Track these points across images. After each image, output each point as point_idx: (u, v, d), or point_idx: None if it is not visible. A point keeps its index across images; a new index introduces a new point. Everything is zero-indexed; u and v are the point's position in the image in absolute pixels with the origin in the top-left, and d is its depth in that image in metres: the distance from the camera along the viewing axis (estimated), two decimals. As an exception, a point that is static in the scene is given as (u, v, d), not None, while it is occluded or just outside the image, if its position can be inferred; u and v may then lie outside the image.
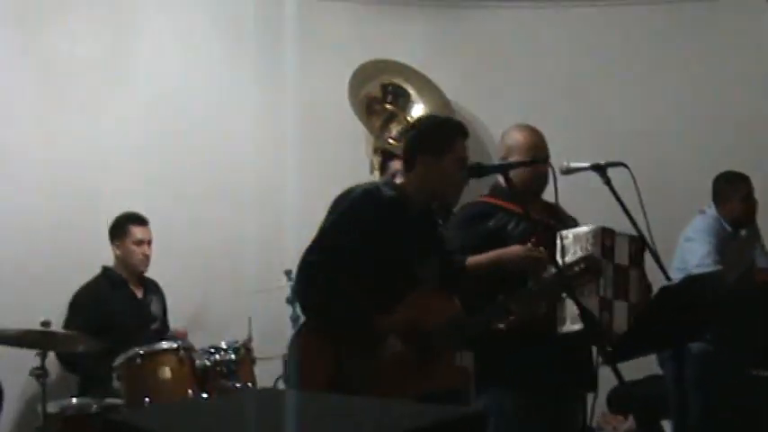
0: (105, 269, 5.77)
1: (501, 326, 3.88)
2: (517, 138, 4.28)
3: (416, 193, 3.87)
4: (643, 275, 4.10)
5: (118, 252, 5.75)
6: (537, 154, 4.15)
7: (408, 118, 6.52)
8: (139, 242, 5.72)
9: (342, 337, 3.68)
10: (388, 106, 6.57)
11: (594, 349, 3.93)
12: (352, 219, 3.77)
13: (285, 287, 5.38)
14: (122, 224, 5.73)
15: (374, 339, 3.69)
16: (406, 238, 3.84)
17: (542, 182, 4.19)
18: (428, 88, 6.58)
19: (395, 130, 6.51)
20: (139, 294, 5.81)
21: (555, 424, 4.15)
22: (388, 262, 3.79)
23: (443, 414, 1.95)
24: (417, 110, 6.55)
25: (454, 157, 3.85)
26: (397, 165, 5.89)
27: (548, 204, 4.19)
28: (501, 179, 4.15)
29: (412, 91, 6.57)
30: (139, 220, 5.74)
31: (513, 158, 4.14)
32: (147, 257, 5.75)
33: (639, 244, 4.03)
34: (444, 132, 3.93)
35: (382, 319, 3.70)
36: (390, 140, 6.38)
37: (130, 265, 5.75)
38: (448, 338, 3.77)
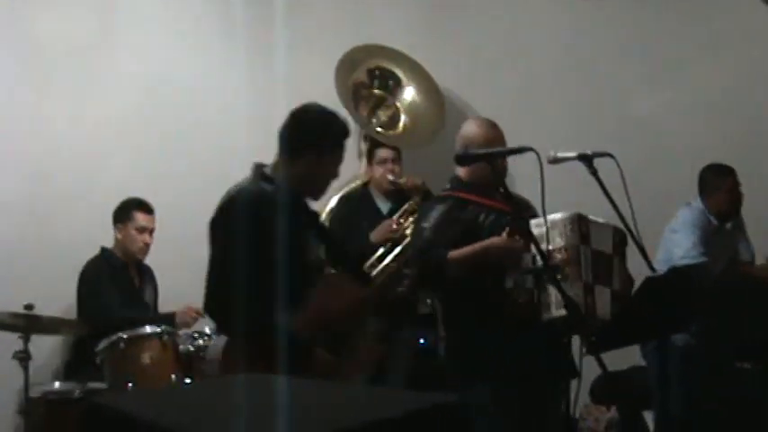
0: (104, 250, 5.71)
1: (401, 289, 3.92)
2: (475, 131, 4.28)
3: (295, 184, 3.81)
4: (624, 266, 4.13)
5: (119, 235, 5.70)
6: (495, 147, 4.16)
7: (397, 103, 6.49)
8: (142, 229, 5.67)
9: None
10: (375, 91, 6.48)
11: (578, 338, 3.94)
12: (253, 227, 3.60)
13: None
14: (128, 209, 5.69)
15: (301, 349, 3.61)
16: (298, 230, 3.78)
17: (504, 175, 4.21)
18: (418, 72, 6.51)
19: (384, 115, 6.45)
20: (137, 282, 5.78)
21: (537, 413, 4.18)
22: (291, 259, 3.65)
23: (435, 401, 1.94)
24: (407, 93, 6.48)
25: (337, 158, 3.86)
26: (383, 153, 5.90)
27: (510, 194, 4.17)
28: (461, 173, 4.18)
29: (401, 75, 6.49)
30: (146, 208, 5.69)
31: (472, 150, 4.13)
32: (146, 246, 5.71)
33: (622, 235, 4.07)
34: (335, 133, 3.87)
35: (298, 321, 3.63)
36: (378, 129, 6.35)
37: (129, 251, 5.71)
38: (359, 322, 3.88)
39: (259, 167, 3.87)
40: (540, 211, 3.90)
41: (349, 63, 6.30)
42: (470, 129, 4.31)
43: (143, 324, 5.08)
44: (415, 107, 6.48)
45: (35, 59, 6.08)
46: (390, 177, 5.80)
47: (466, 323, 4.24)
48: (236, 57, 6.43)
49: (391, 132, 6.37)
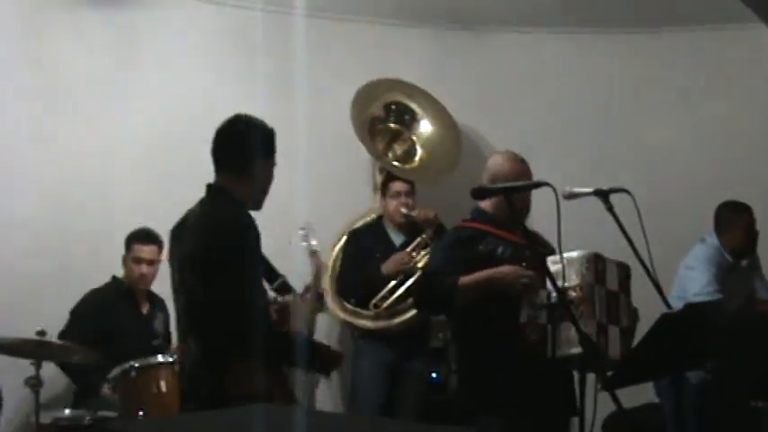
0: (114, 279, 5.75)
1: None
2: (502, 164, 4.29)
3: (248, 199, 3.78)
4: (629, 300, 4.12)
5: (125, 266, 5.73)
6: (523, 177, 4.18)
7: (413, 137, 6.48)
8: (138, 260, 5.64)
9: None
10: (391, 125, 6.50)
11: (593, 375, 3.92)
12: (234, 250, 3.63)
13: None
14: (129, 240, 5.70)
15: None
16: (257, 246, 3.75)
17: (526, 210, 4.22)
18: (434, 106, 6.52)
19: (399, 149, 6.47)
20: (145, 310, 5.76)
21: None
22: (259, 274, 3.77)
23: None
24: (423, 127, 6.50)
25: (273, 162, 3.85)
26: (397, 186, 5.90)
27: (528, 231, 4.21)
28: (483, 204, 4.18)
29: (417, 109, 6.50)
30: (144, 239, 5.65)
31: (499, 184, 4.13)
32: (143, 276, 5.67)
33: (627, 270, 4.07)
34: (270, 137, 3.86)
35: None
36: (395, 162, 6.35)
37: (130, 282, 5.73)
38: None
39: (218, 188, 3.80)
40: (557, 247, 3.90)
41: (365, 97, 6.32)
42: (497, 162, 4.32)
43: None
44: (431, 140, 6.49)
45: (56, 85, 6.11)
46: (404, 210, 5.80)
47: (477, 355, 4.24)
48: (255, 91, 6.44)
49: (407, 166, 6.37)
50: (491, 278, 4.05)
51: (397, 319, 5.70)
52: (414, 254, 5.72)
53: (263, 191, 3.84)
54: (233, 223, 3.67)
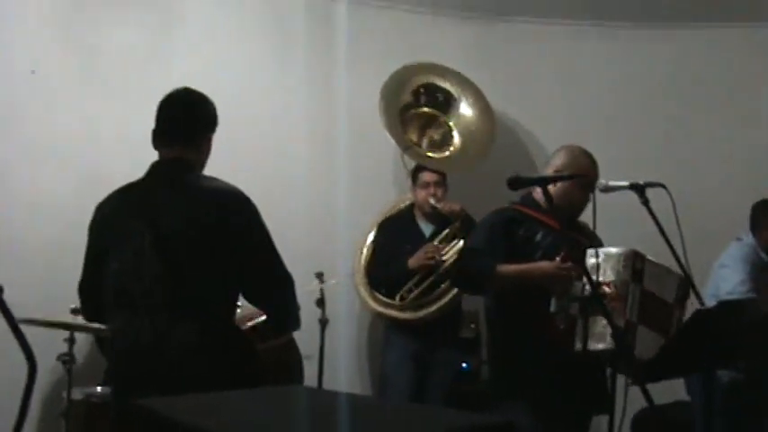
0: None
1: None
2: (579, 161, 4.29)
3: (201, 168, 3.78)
4: (682, 317, 4.09)
5: None
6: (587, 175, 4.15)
7: (449, 121, 6.43)
8: None
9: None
10: (424, 109, 6.44)
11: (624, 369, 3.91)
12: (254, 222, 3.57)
13: (315, 290, 5.38)
14: None
15: None
16: None
17: (582, 206, 4.21)
18: (469, 87, 6.43)
19: (436, 134, 6.44)
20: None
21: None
22: None
23: (476, 420, 1.93)
24: (460, 108, 6.42)
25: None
26: (426, 176, 5.87)
27: (577, 223, 4.23)
28: (538, 192, 4.17)
29: (451, 89, 6.42)
30: None
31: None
32: None
33: (687, 287, 4.01)
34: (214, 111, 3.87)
35: None
36: (429, 153, 6.32)
37: None
38: None
39: (178, 160, 3.74)
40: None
41: (394, 86, 6.24)
42: (574, 154, 4.33)
43: None
44: (468, 123, 6.41)
45: (93, 65, 6.13)
46: (431, 201, 5.78)
47: (507, 342, 4.25)
48: (293, 73, 6.47)
49: (443, 153, 6.34)
50: (530, 273, 4.06)
51: (424, 311, 5.70)
52: (440, 246, 5.71)
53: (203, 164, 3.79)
54: (240, 194, 3.62)
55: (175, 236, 3.47)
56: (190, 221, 3.47)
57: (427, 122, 6.44)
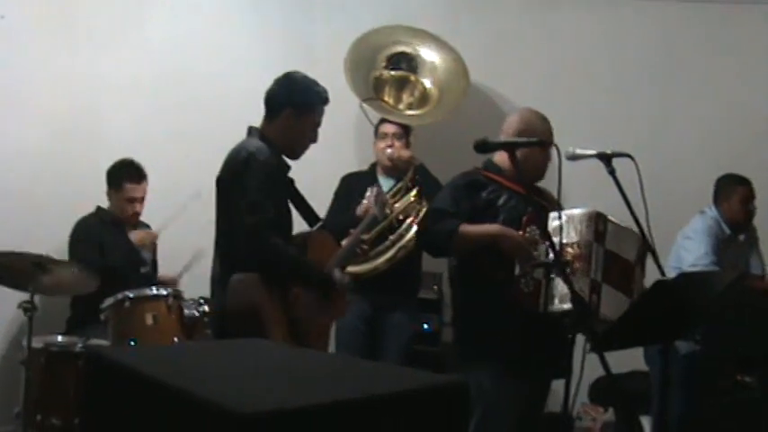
0: (99, 209, 5.73)
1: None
2: (534, 122, 4.31)
3: (279, 140, 4.18)
4: (643, 276, 4.14)
5: (110, 201, 5.71)
6: (548, 140, 4.18)
7: (423, 79, 6.34)
8: (131, 200, 5.66)
9: (284, 285, 3.99)
10: (392, 73, 6.35)
11: (582, 337, 3.94)
12: (264, 177, 3.98)
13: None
14: (118, 177, 5.65)
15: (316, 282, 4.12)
16: (283, 185, 4.25)
17: (544, 169, 4.26)
18: (436, 43, 6.36)
19: (409, 97, 6.36)
20: (132, 237, 5.78)
21: (534, 403, 4.23)
22: (284, 210, 4.20)
23: (431, 380, 1.95)
24: (429, 58, 6.34)
25: (313, 120, 4.23)
26: (384, 128, 5.75)
27: (536, 187, 4.26)
28: (500, 157, 4.20)
29: (421, 48, 6.35)
30: (135, 177, 5.65)
31: (524, 138, 4.15)
32: (137, 215, 5.72)
33: (645, 246, 4.06)
34: (311, 95, 4.24)
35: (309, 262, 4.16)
36: (408, 113, 6.26)
37: (121, 216, 5.72)
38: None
39: (252, 129, 4.24)
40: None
41: (361, 58, 6.19)
42: (529, 118, 4.36)
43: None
44: (437, 70, 6.34)
45: (64, 14, 6.09)
46: (388, 152, 5.70)
47: (471, 304, 4.28)
48: (266, 35, 6.46)
49: (421, 110, 6.27)
50: (495, 236, 4.08)
51: (368, 264, 5.50)
52: (391, 198, 5.59)
53: (289, 138, 4.21)
54: (243, 152, 4.04)
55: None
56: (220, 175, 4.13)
57: (399, 87, 6.37)
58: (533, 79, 6.61)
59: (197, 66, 6.38)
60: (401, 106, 6.27)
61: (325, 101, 4.26)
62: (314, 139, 4.27)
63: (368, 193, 5.00)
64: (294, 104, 4.17)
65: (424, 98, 6.32)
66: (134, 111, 6.23)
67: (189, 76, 6.35)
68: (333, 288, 4.19)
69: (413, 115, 6.19)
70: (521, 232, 4.04)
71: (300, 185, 4.39)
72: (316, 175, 5.06)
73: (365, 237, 4.52)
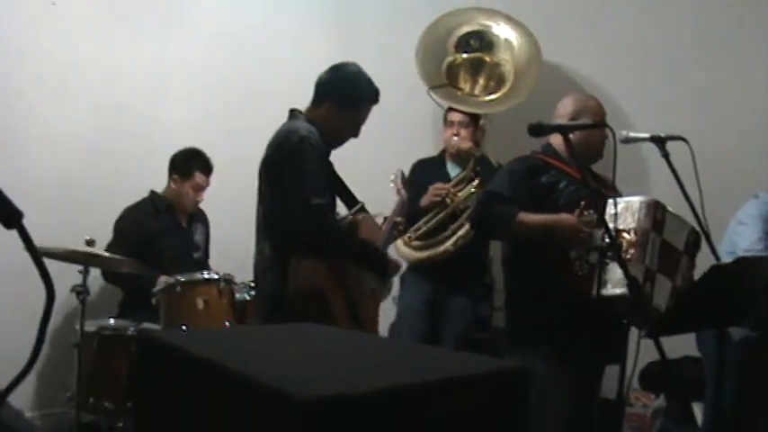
0: (153, 193, 5.80)
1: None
2: (588, 103, 4.30)
3: (319, 126, 4.12)
4: (691, 267, 4.09)
5: (173, 186, 5.76)
6: (602, 121, 4.17)
7: (497, 59, 6.27)
8: (199, 188, 5.75)
9: (344, 267, 4.02)
10: (465, 56, 6.29)
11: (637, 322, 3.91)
12: (318, 160, 4.01)
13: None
14: (189, 165, 5.73)
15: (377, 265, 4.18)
16: (328, 169, 4.22)
17: (601, 149, 4.24)
18: (507, 19, 6.29)
19: (486, 80, 6.31)
20: (184, 222, 5.83)
21: (580, 388, 4.19)
22: (330, 193, 4.17)
23: (492, 365, 1.93)
24: (504, 38, 6.29)
25: (356, 117, 4.20)
26: (451, 116, 5.78)
27: (594, 173, 4.23)
28: (557, 140, 4.17)
29: (492, 24, 6.28)
30: (206, 168, 5.75)
31: (580, 121, 4.15)
32: (197, 203, 5.80)
33: (696, 237, 4.04)
34: (359, 92, 4.19)
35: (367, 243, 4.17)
36: (487, 97, 6.17)
37: (181, 204, 5.77)
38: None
39: (296, 111, 4.22)
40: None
41: (430, 48, 6.17)
42: (581, 100, 4.38)
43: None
44: (512, 49, 6.28)
45: (120, 4, 6.12)
46: (453, 141, 5.72)
47: (525, 288, 4.25)
48: (316, 16, 6.46)
49: (499, 92, 6.23)
50: (551, 226, 4.06)
51: (429, 252, 5.60)
52: (454, 187, 5.64)
53: (334, 134, 4.18)
54: (295, 135, 3.98)
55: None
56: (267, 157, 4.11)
57: (475, 70, 6.32)
58: (589, 62, 6.52)
59: (251, 53, 6.40)
60: (477, 91, 6.24)
61: (373, 100, 4.21)
62: (355, 135, 4.24)
63: (392, 177, 5.01)
64: (336, 99, 4.15)
65: (501, 79, 6.27)
66: (185, 96, 6.26)
67: (243, 63, 6.37)
68: (389, 269, 4.23)
69: (479, 102, 6.15)
70: (577, 212, 4.01)
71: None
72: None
73: (398, 219, 4.47)
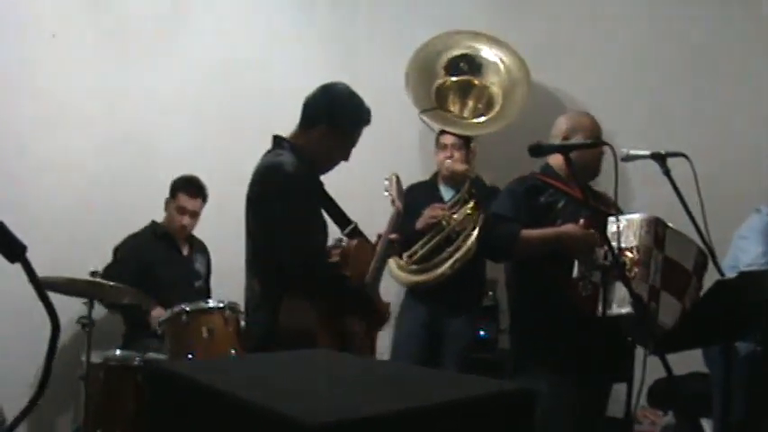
0: (153, 223, 5.83)
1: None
2: (582, 121, 4.31)
3: (307, 152, 3.97)
4: (699, 288, 4.08)
5: (166, 211, 5.79)
6: (598, 137, 4.18)
7: (486, 82, 6.28)
8: (182, 210, 5.74)
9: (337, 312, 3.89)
10: (453, 80, 6.30)
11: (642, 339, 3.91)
12: (306, 197, 3.88)
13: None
14: (175, 187, 5.77)
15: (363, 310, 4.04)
16: (317, 196, 4.08)
17: (599, 166, 4.24)
18: (495, 43, 6.29)
19: (475, 103, 6.30)
20: (185, 251, 5.85)
21: (584, 408, 4.18)
22: (321, 225, 4.04)
23: (499, 388, 1.93)
24: (492, 61, 6.28)
25: (350, 139, 4.03)
26: (444, 139, 5.80)
27: (594, 191, 4.24)
28: (555, 160, 4.18)
29: (481, 49, 6.29)
30: (191, 190, 5.74)
31: (576, 139, 4.16)
32: (184, 228, 5.79)
33: (704, 259, 4.03)
34: (351, 115, 4.01)
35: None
36: (470, 122, 6.19)
37: (172, 230, 5.78)
38: (376, 282, 4.16)
39: (280, 139, 4.05)
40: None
41: (420, 72, 6.18)
42: (576, 119, 4.38)
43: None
44: (500, 72, 6.28)
45: (118, 31, 6.16)
46: (446, 163, 5.73)
47: (528, 308, 4.25)
48: (312, 44, 6.47)
49: (488, 115, 6.22)
50: (558, 236, 4.06)
51: (426, 275, 5.62)
52: (449, 209, 5.64)
53: (326, 158, 4.03)
54: (279, 173, 3.82)
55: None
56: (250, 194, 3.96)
57: (463, 93, 6.32)
58: (586, 82, 6.53)
59: (250, 83, 6.42)
60: (467, 113, 6.25)
61: (366, 122, 4.04)
62: (345, 158, 4.07)
63: (386, 183, 4.98)
64: (331, 122, 3.97)
65: (490, 102, 6.28)
66: (184, 126, 6.28)
67: (242, 93, 6.39)
68: (375, 311, 4.14)
69: (472, 125, 6.16)
70: (581, 222, 4.02)
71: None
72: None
73: (393, 237, 4.30)
